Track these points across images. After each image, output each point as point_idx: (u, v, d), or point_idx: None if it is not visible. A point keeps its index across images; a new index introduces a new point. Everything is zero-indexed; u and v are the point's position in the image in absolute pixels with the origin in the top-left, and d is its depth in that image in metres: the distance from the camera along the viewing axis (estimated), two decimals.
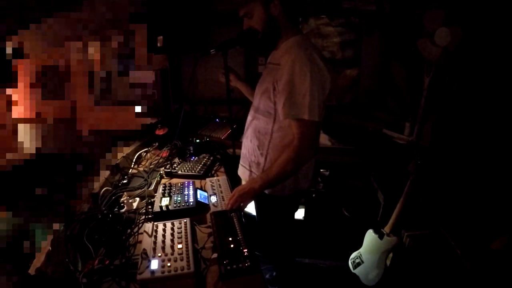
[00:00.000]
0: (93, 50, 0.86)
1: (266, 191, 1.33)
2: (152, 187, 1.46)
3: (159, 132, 1.93)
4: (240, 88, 1.64)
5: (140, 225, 1.19)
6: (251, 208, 1.53)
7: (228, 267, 0.97)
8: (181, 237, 1.10)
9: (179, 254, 1.03)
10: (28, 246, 0.80)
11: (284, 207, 1.43)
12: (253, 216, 1.59)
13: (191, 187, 1.43)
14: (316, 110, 1.11)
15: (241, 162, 1.47)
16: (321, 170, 2.32)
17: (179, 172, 1.64)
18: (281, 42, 1.25)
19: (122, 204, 1.30)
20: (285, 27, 1.22)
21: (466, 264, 1.27)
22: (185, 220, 1.20)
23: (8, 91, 0.75)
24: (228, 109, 1.55)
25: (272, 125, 1.25)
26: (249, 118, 1.40)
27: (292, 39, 1.22)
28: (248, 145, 1.38)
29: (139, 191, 1.44)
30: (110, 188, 1.40)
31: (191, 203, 1.31)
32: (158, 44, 1.84)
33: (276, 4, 1.16)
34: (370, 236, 1.79)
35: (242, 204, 1.26)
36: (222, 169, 1.75)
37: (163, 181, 1.59)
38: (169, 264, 0.98)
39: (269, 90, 1.21)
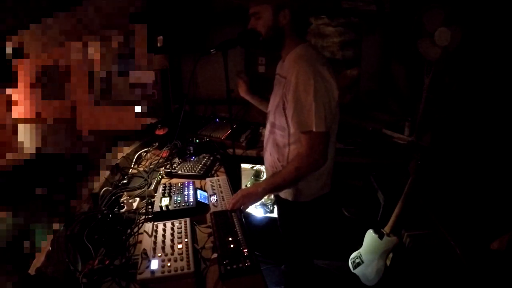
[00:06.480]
0: (93, 50, 0.86)
1: (290, 198, 1.36)
2: (152, 187, 1.46)
3: (159, 132, 1.93)
4: (249, 100, 1.65)
5: (140, 225, 1.19)
6: (252, 208, 1.53)
7: (228, 267, 0.97)
8: (181, 237, 1.10)
9: (179, 254, 1.03)
10: (28, 246, 0.80)
11: (305, 213, 1.42)
12: (254, 216, 1.59)
13: (191, 187, 1.43)
14: (323, 121, 1.13)
15: (266, 174, 1.50)
16: None
17: (179, 172, 1.63)
18: (285, 53, 1.26)
19: (122, 204, 1.30)
20: (289, 37, 1.22)
21: (466, 264, 1.27)
22: (185, 220, 1.20)
23: (8, 91, 0.75)
24: (228, 109, 1.55)
25: (288, 138, 1.27)
26: (266, 133, 1.41)
27: (296, 50, 1.22)
28: (269, 159, 1.41)
29: (139, 191, 1.44)
30: (110, 188, 1.40)
31: (191, 203, 1.31)
32: (158, 44, 1.84)
33: (286, 14, 1.17)
34: (370, 236, 1.79)
35: (243, 205, 1.28)
36: (222, 169, 1.75)
37: (163, 181, 1.58)
38: (169, 264, 0.98)
39: (280, 106, 1.23)
